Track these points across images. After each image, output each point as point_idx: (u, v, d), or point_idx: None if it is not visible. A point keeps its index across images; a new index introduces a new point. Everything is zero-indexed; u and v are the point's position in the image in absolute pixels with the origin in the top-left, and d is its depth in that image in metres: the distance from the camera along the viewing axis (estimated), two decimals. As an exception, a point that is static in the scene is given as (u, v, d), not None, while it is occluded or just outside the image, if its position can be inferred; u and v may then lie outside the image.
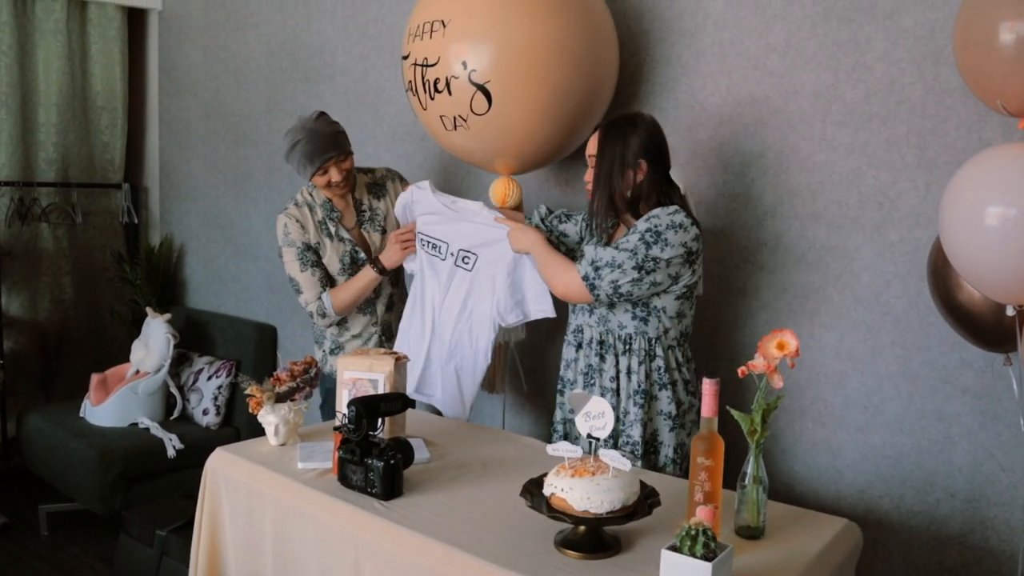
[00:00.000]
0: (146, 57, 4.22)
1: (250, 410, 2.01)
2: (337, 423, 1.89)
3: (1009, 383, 1.95)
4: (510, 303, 2.32)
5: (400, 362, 1.97)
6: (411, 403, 1.85)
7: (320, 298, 2.49)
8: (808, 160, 2.21)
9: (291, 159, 2.43)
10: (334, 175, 2.43)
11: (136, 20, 4.17)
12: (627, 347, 2.02)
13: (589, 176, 2.04)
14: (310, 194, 2.55)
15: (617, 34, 2.40)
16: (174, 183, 4.17)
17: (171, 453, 3.29)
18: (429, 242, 2.41)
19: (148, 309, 3.60)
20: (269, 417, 2.00)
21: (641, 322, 2.00)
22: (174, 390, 3.56)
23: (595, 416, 1.52)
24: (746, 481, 1.53)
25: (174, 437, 3.34)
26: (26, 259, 3.91)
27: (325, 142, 2.40)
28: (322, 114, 2.46)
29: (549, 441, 2.18)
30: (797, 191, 2.23)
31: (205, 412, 3.53)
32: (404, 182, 2.67)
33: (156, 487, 3.27)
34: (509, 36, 2.17)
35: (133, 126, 4.21)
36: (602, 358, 2.05)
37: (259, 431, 3.56)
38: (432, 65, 2.26)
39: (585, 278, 1.97)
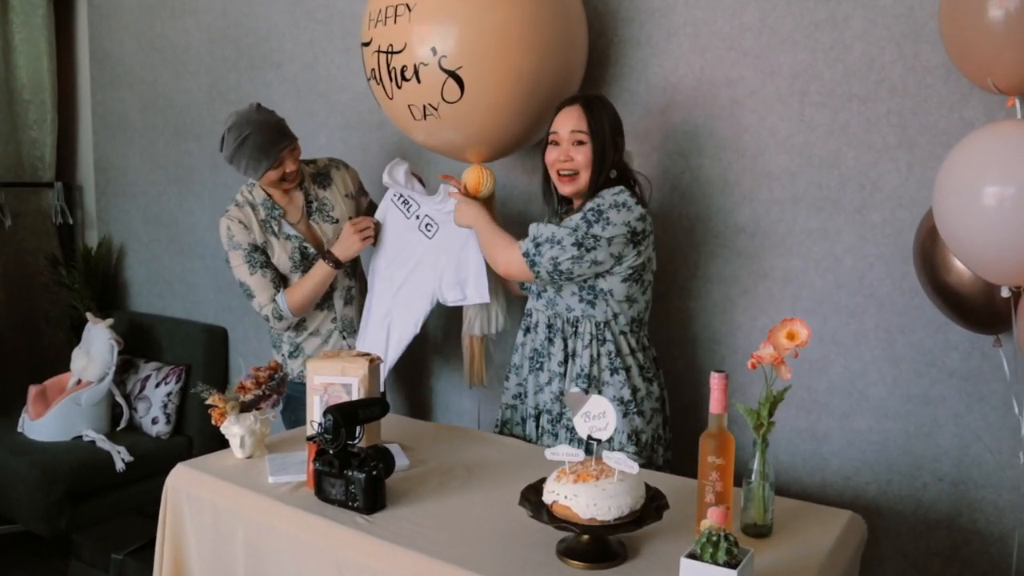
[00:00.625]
0: (75, 47, 3.96)
1: (213, 422, 1.87)
2: (310, 432, 1.77)
3: (997, 364, 1.93)
4: (452, 280, 2.29)
5: (374, 364, 1.86)
6: (388, 408, 1.73)
7: (275, 300, 2.35)
8: (786, 142, 2.15)
9: (239, 156, 2.26)
10: (289, 165, 2.30)
11: (63, 7, 3.91)
12: (574, 330, 1.97)
13: (568, 154, 1.93)
14: (250, 193, 2.41)
15: (584, 14, 2.31)
16: (111, 180, 3.93)
17: (120, 467, 3.11)
18: (401, 197, 2.35)
19: (88, 314, 3.39)
20: (234, 428, 1.86)
21: (588, 305, 1.95)
22: (120, 399, 3.36)
23: (595, 416, 1.43)
24: (752, 478, 1.46)
25: (122, 449, 3.15)
26: (-49, 264, 3.66)
27: (276, 132, 2.28)
28: (259, 105, 2.33)
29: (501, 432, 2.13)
30: (775, 174, 2.18)
31: (155, 421, 3.34)
32: (348, 168, 2.54)
33: (105, 504, 3.08)
34: (480, 19, 2.04)
35: (64, 120, 3.96)
36: (550, 341, 2.00)
37: (213, 438, 3.43)
38: (398, 52, 2.11)
39: (526, 255, 1.93)
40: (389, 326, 2.36)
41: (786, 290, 2.20)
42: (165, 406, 3.35)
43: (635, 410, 1.95)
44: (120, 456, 3.12)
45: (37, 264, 3.88)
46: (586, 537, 1.38)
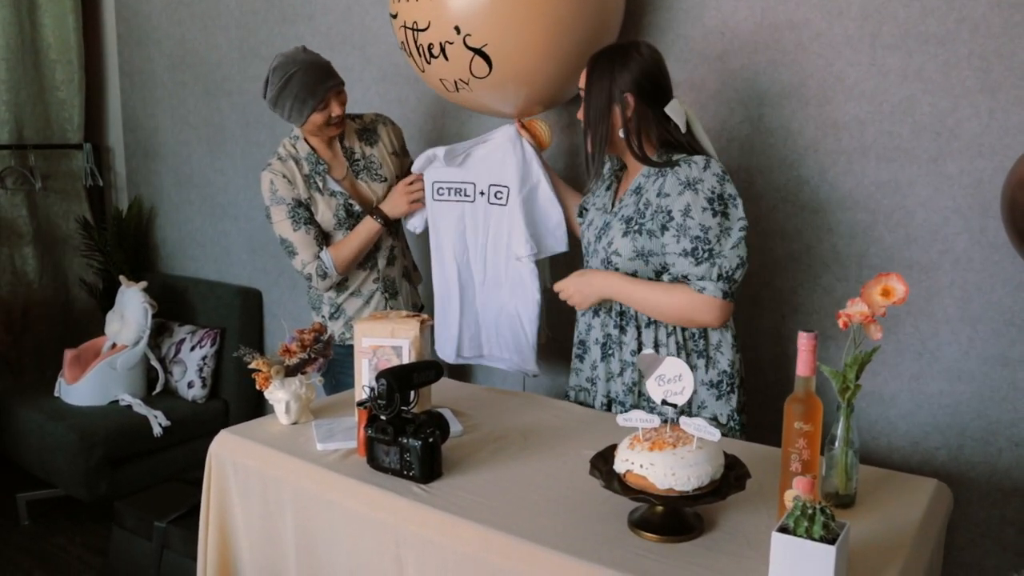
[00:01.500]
0: (101, 4, 3.86)
1: (257, 387, 1.80)
2: (360, 397, 1.69)
3: (1085, 323, 1.81)
4: (525, 234, 2.13)
5: (424, 324, 1.77)
6: (442, 371, 1.65)
7: (319, 257, 2.27)
8: (855, 88, 2.02)
9: (284, 97, 2.17)
10: (335, 108, 2.20)
11: (87, -37, 3.82)
12: (650, 319, 1.81)
13: (581, 111, 1.84)
14: (293, 146, 2.31)
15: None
16: (140, 141, 3.86)
17: (157, 431, 3.08)
18: (452, 188, 2.20)
19: (121, 278, 3.34)
20: (278, 394, 1.79)
21: (648, 281, 1.80)
22: (155, 363, 3.33)
23: (670, 380, 1.33)
24: (835, 444, 1.37)
25: (159, 414, 3.12)
26: (-18, 229, 3.62)
27: (323, 71, 2.19)
28: (305, 47, 2.24)
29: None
30: (843, 123, 2.05)
31: (190, 385, 3.30)
32: (393, 125, 2.44)
33: (143, 469, 3.06)
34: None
35: (91, 80, 3.87)
36: (622, 330, 1.84)
37: (249, 402, 3.40)
38: (423, 30, 2.05)
39: (727, 295, 1.70)
40: (518, 314, 2.19)
41: (852, 246, 2.08)
42: (200, 370, 3.30)
43: (732, 386, 1.82)
44: (157, 421, 3.09)
45: (68, 227, 3.83)
46: (660, 508, 1.30)
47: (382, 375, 1.50)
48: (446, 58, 2.04)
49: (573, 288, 1.86)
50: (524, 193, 2.14)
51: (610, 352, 1.86)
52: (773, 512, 1.35)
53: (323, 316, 2.42)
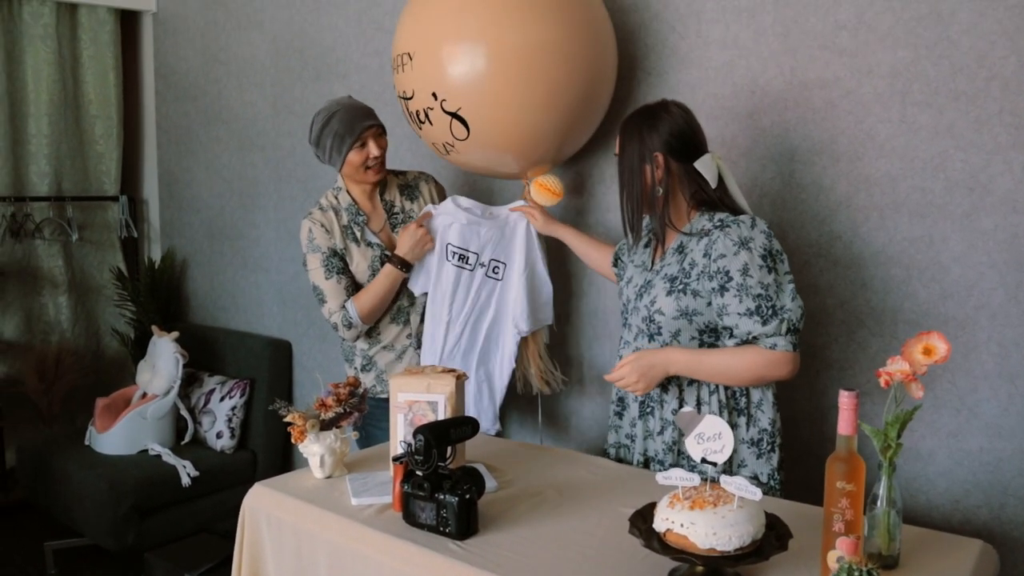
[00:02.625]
0: (141, 61, 4.00)
1: (292, 440, 1.81)
2: (397, 452, 1.70)
3: None
4: (527, 311, 2.32)
5: (460, 381, 1.78)
6: (478, 427, 1.65)
7: (344, 307, 2.30)
8: (886, 145, 2.03)
9: (326, 134, 2.25)
10: (372, 149, 2.26)
11: (129, 23, 3.95)
12: (693, 379, 1.81)
13: None
14: (335, 197, 2.37)
15: (665, 15, 2.26)
16: (175, 193, 3.95)
17: (186, 481, 3.09)
18: (456, 253, 2.30)
19: (154, 328, 3.39)
20: (313, 447, 1.80)
21: (708, 348, 1.81)
22: (185, 413, 3.35)
23: (710, 438, 1.33)
24: (878, 504, 1.35)
25: (188, 464, 3.13)
26: (20, 278, 3.69)
27: (364, 112, 2.28)
28: (351, 96, 2.35)
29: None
30: (874, 179, 2.06)
31: (219, 435, 3.32)
32: (438, 184, 2.50)
33: (170, 519, 3.06)
34: (476, 53, 2.08)
35: (129, 135, 3.98)
36: (664, 388, 1.84)
37: (277, 453, 3.41)
38: (410, 98, 2.23)
39: (793, 346, 1.70)
40: (488, 376, 2.38)
41: (887, 301, 2.07)
42: (230, 420, 3.32)
43: (772, 444, 1.82)
44: (186, 471, 3.10)
45: (102, 277, 3.90)
46: (701, 569, 1.29)
47: (420, 431, 1.50)
48: (431, 123, 2.19)
49: (636, 374, 1.77)
50: (527, 272, 2.32)
51: (649, 410, 1.86)
52: (815, 573, 1.33)
53: (355, 368, 2.43)
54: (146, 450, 3.21)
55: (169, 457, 3.15)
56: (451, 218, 2.31)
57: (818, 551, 1.34)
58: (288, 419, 1.81)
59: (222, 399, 3.36)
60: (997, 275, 1.93)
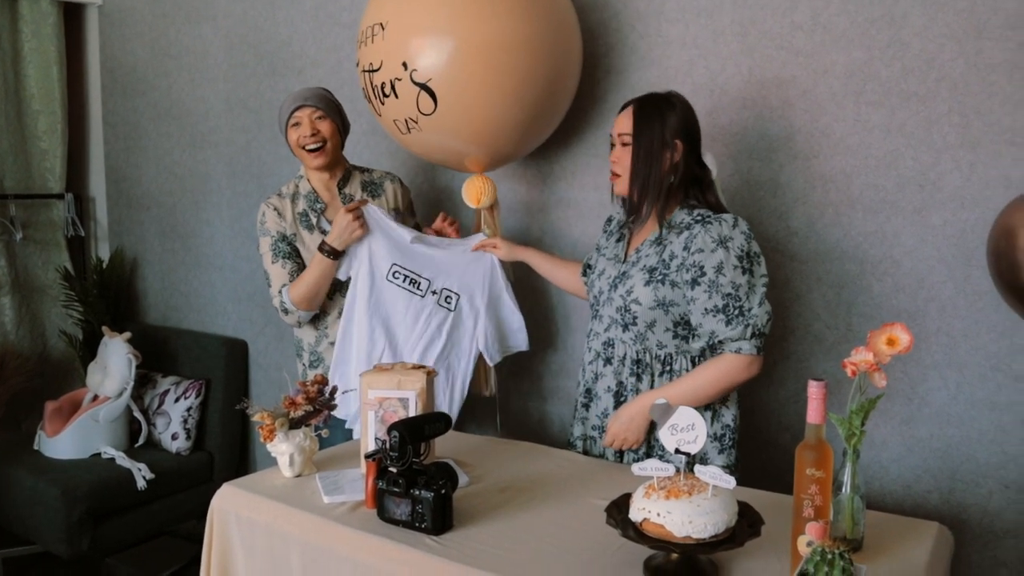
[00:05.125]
0: (86, 55, 3.88)
1: (261, 439, 1.79)
2: (368, 450, 1.70)
3: (1068, 367, 1.87)
4: (494, 340, 2.34)
5: (431, 376, 1.79)
6: (451, 422, 1.66)
7: (280, 291, 2.31)
8: (841, 143, 2.10)
9: (279, 112, 2.34)
10: (304, 128, 2.28)
11: (73, 15, 3.82)
12: (666, 368, 1.86)
13: (616, 156, 1.89)
14: (296, 184, 2.40)
15: (625, 14, 2.30)
16: (123, 191, 3.85)
17: (141, 484, 3.02)
18: (407, 276, 2.27)
19: (104, 328, 3.30)
20: (282, 446, 1.79)
21: (682, 340, 1.84)
22: (138, 415, 3.28)
23: (683, 428, 1.36)
24: (843, 489, 1.40)
25: (143, 467, 3.06)
26: (-40, 280, 3.56)
27: (311, 92, 2.31)
28: (322, 88, 2.39)
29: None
30: (830, 176, 2.12)
31: (174, 437, 3.26)
32: (403, 185, 2.50)
33: (126, 523, 3.00)
34: (450, 32, 2.09)
35: (74, 131, 3.86)
36: (638, 378, 1.88)
37: (235, 453, 3.35)
38: (376, 70, 2.20)
39: (758, 350, 1.75)
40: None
41: (841, 295, 2.14)
42: (185, 421, 3.26)
43: (733, 441, 1.87)
44: (141, 473, 3.04)
45: (47, 277, 3.78)
46: (676, 556, 1.32)
47: (394, 427, 1.51)
48: (396, 95, 2.16)
49: (622, 433, 1.84)
50: (486, 303, 2.32)
51: (623, 399, 1.89)
52: (784, 557, 1.37)
53: (304, 363, 2.42)
54: (99, 454, 3.13)
55: (123, 460, 3.08)
56: (402, 239, 2.27)
57: (787, 536, 1.38)
58: (256, 418, 1.79)
59: (177, 400, 3.29)
60: (946, 269, 2.01)
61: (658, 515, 1.27)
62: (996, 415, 1.99)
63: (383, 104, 2.24)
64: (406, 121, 2.21)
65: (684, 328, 1.83)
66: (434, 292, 2.28)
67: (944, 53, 1.96)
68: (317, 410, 1.80)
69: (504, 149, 2.28)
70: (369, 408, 1.76)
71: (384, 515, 1.55)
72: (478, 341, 2.32)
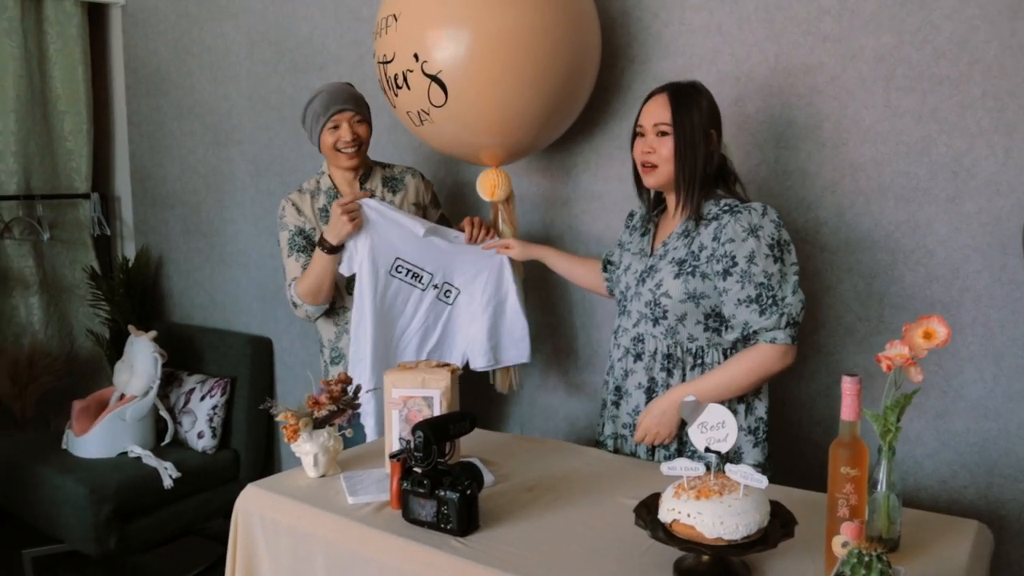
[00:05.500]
0: (110, 55, 3.90)
1: (285, 439, 1.78)
2: (393, 449, 1.68)
3: (1111, 359, 1.81)
4: (485, 347, 2.29)
5: (455, 374, 1.76)
6: (476, 421, 1.64)
7: (290, 285, 2.32)
8: (871, 130, 2.05)
9: (308, 113, 2.31)
10: (344, 132, 2.26)
11: (97, 16, 3.84)
12: (697, 361, 1.82)
13: (650, 146, 1.82)
14: (317, 180, 2.40)
15: (648, 2, 2.28)
16: (148, 190, 3.87)
17: (167, 483, 3.03)
18: (409, 270, 2.25)
19: (131, 327, 3.32)
20: (306, 446, 1.77)
21: (714, 333, 1.81)
22: (164, 413, 3.29)
23: (713, 427, 1.33)
24: (878, 487, 1.36)
25: (169, 465, 3.07)
26: (-11, 280, 3.59)
27: (346, 94, 2.29)
28: (348, 84, 2.36)
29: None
30: (860, 164, 2.07)
31: (200, 435, 3.27)
32: (424, 179, 2.48)
33: (153, 522, 3.01)
34: (461, 23, 2.07)
35: (99, 131, 3.89)
36: (669, 373, 1.84)
37: (260, 452, 3.37)
38: (390, 61, 2.20)
39: (792, 339, 1.72)
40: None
41: (873, 285, 2.09)
42: (211, 420, 3.27)
43: (767, 433, 1.84)
44: (167, 472, 3.05)
45: (74, 277, 3.81)
46: (706, 558, 1.29)
47: (419, 427, 1.49)
48: (408, 87, 2.16)
49: (654, 428, 1.81)
50: (485, 304, 2.28)
51: (654, 395, 1.85)
52: (818, 558, 1.34)
53: (325, 360, 2.42)
54: (126, 452, 3.14)
55: (150, 459, 3.10)
56: (411, 231, 2.24)
57: (820, 536, 1.34)
58: (280, 418, 1.78)
59: (202, 398, 3.30)
60: (981, 258, 1.95)
61: (688, 516, 1.24)
62: (1035, 408, 1.93)
63: (396, 96, 2.24)
64: (419, 113, 2.20)
65: (715, 320, 1.79)
66: (435, 286, 2.27)
67: (977, 35, 1.90)
68: (341, 409, 1.79)
69: (521, 141, 2.26)
70: (393, 407, 1.74)
71: (409, 516, 1.53)
72: (470, 345, 2.30)
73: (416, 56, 2.11)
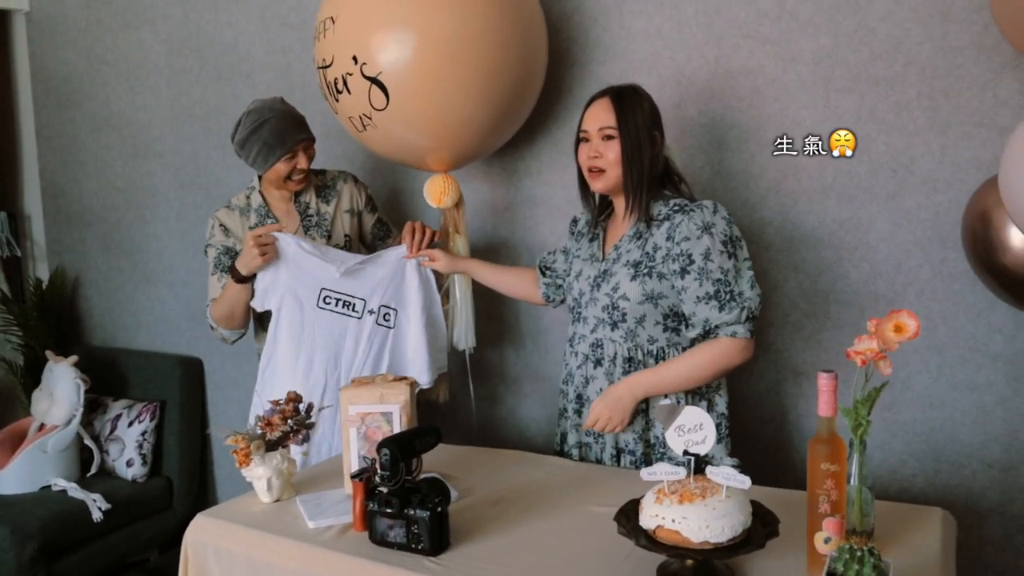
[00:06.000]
0: (14, 65, 3.67)
1: (237, 465, 1.69)
2: (355, 469, 1.62)
3: (1046, 345, 1.89)
4: (428, 361, 2.24)
5: (413, 388, 1.71)
6: (441, 435, 1.59)
7: (208, 305, 2.25)
8: (812, 130, 2.08)
9: (253, 142, 2.15)
10: (301, 161, 2.19)
11: (-2, 24, 3.63)
12: (658, 363, 1.81)
13: (596, 150, 1.81)
14: (247, 197, 2.30)
15: (587, 7, 2.27)
16: (61, 207, 3.65)
17: (97, 516, 2.87)
18: (339, 300, 2.16)
19: (49, 353, 3.13)
20: (258, 471, 1.69)
21: (673, 332, 1.80)
22: (89, 442, 3.11)
23: (690, 429, 1.32)
24: (851, 481, 1.37)
25: (98, 497, 2.90)
26: None
27: (297, 123, 2.19)
28: (283, 99, 2.24)
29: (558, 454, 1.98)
30: (801, 164, 2.11)
31: (129, 463, 3.10)
32: (358, 182, 2.40)
33: (83, 558, 2.84)
34: (401, 24, 2.02)
35: (5, 145, 3.66)
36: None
37: (194, 478, 3.21)
38: (329, 66, 2.14)
39: (751, 334, 1.73)
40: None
41: (819, 282, 2.13)
42: (140, 446, 3.11)
43: (728, 429, 1.85)
44: (96, 504, 2.88)
45: (-18, 301, 3.57)
46: (690, 562, 1.27)
47: (385, 444, 1.43)
48: (348, 91, 2.10)
49: (607, 413, 1.79)
50: (424, 318, 2.21)
51: None
52: (800, 556, 1.34)
53: (256, 392, 2.30)
54: (49, 486, 2.96)
55: (76, 491, 2.92)
56: (324, 261, 2.14)
57: (798, 533, 1.34)
58: (229, 443, 1.69)
59: (130, 424, 3.14)
60: (922, 252, 2.01)
61: (673, 521, 1.23)
62: (977, 395, 2.00)
63: (337, 101, 2.18)
64: (360, 118, 2.14)
65: (674, 320, 1.79)
66: (371, 312, 2.19)
67: (911, 37, 1.96)
68: (295, 429, 1.71)
69: (467, 146, 2.21)
70: (351, 425, 1.67)
71: (376, 538, 1.47)
72: (416, 363, 2.23)
73: (355, 59, 2.05)
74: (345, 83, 2.10)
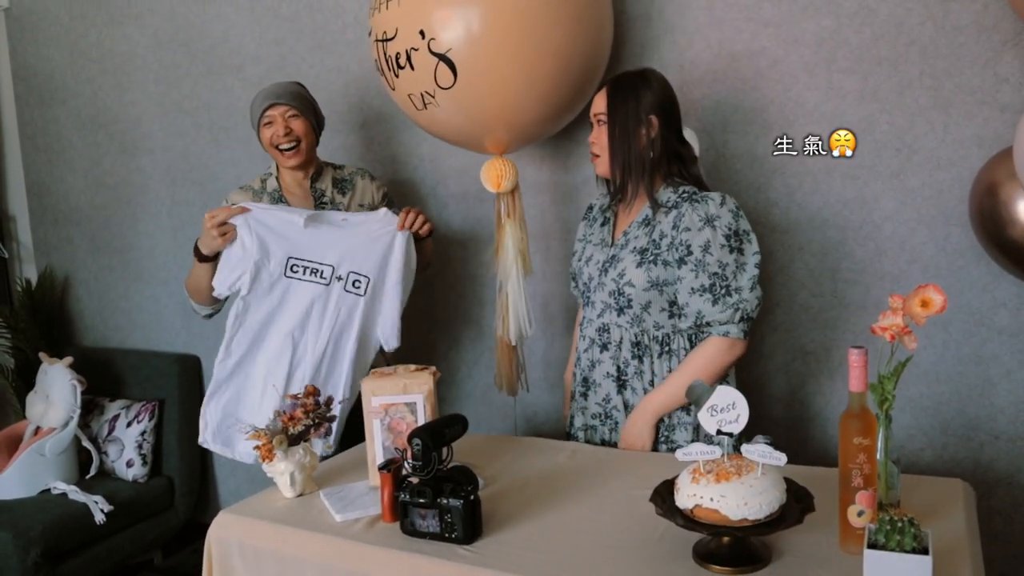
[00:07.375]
0: (-6, 64, 3.61)
1: (259, 460, 1.68)
2: (380, 461, 1.61)
3: (1051, 317, 1.93)
4: (397, 324, 2.16)
5: (435, 377, 1.71)
6: (467, 424, 1.58)
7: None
8: (815, 111, 2.11)
9: (252, 105, 2.25)
10: (278, 127, 2.16)
11: (-25, 22, 3.55)
12: (664, 348, 1.82)
13: (594, 136, 1.85)
14: (262, 181, 2.30)
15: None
16: (48, 207, 3.59)
17: (99, 518, 2.83)
18: (307, 267, 2.11)
19: (42, 355, 3.08)
20: (280, 465, 1.67)
21: (679, 319, 1.81)
22: (87, 444, 3.08)
23: (723, 408, 1.33)
24: (878, 455, 1.39)
25: (100, 499, 2.87)
26: None
27: (284, 90, 2.21)
28: (301, 84, 2.28)
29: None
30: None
31: (129, 464, 3.07)
32: (374, 179, 2.39)
33: (86, 561, 2.81)
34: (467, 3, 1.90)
35: (-13, 145, 3.60)
36: (639, 360, 1.84)
37: (196, 476, 3.18)
38: (391, 39, 2.01)
39: (744, 334, 1.74)
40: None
41: (825, 262, 2.15)
42: (140, 446, 3.08)
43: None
44: (99, 506, 2.85)
45: (-31, 305, 3.51)
46: (726, 540, 1.28)
47: (416, 434, 1.43)
48: (412, 67, 2.00)
49: (638, 444, 1.81)
50: (391, 286, 2.14)
51: (624, 383, 1.86)
52: (831, 530, 1.35)
53: None
54: (48, 490, 2.92)
55: (76, 494, 2.88)
56: (291, 225, 2.10)
57: (824, 509, 1.36)
58: (250, 438, 1.68)
59: (129, 424, 3.10)
60: (926, 229, 2.04)
61: (711, 500, 1.24)
62: (982, 369, 2.04)
63: (397, 77, 2.05)
64: (422, 95, 2.02)
65: (679, 308, 1.80)
66: (339, 278, 2.12)
67: (912, 17, 1.98)
68: (317, 423, 1.70)
69: (530, 128, 2.11)
70: (374, 416, 1.67)
71: (409, 528, 1.46)
72: (384, 328, 2.16)
73: (422, 33, 1.93)
74: (409, 58, 1.98)
